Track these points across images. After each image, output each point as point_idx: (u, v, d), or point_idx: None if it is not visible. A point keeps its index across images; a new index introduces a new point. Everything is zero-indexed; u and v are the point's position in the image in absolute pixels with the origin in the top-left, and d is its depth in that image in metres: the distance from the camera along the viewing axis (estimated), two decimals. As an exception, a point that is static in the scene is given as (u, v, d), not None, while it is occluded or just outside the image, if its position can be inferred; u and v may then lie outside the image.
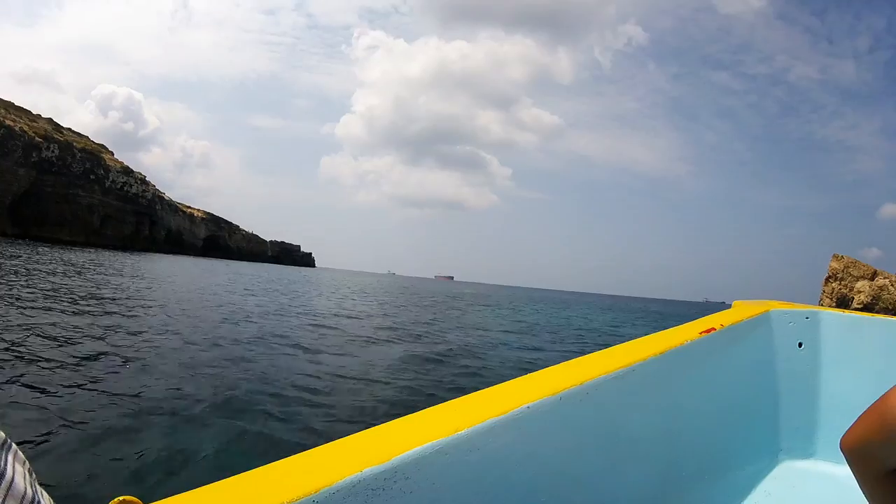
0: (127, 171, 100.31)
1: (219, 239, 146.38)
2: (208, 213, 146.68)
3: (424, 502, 0.65)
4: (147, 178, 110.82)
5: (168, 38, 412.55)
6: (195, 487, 0.58)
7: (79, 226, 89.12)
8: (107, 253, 58.30)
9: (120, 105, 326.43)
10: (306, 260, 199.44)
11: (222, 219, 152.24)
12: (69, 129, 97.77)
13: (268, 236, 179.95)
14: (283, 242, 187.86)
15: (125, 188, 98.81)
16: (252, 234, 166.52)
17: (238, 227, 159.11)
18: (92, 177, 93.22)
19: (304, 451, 0.66)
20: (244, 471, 0.61)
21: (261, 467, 0.63)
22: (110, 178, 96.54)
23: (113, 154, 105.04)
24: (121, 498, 0.49)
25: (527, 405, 0.79)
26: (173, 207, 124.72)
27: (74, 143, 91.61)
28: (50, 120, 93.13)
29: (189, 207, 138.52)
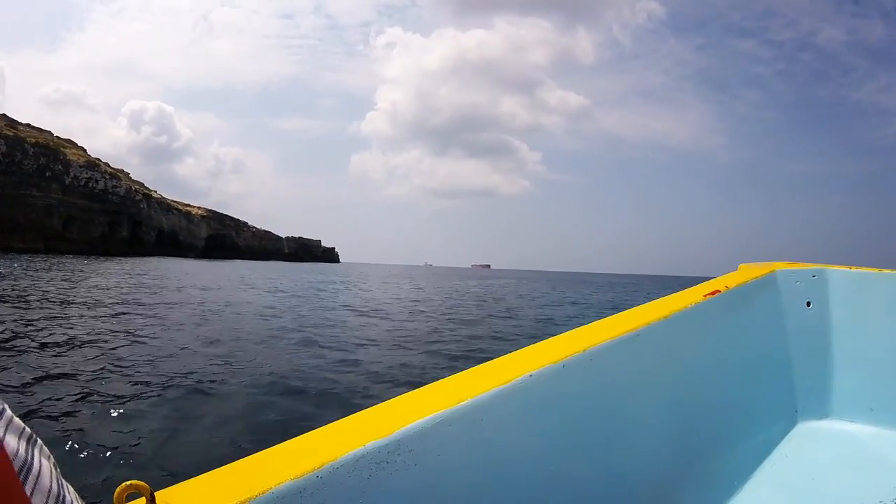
0: (92, 164, 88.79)
1: (224, 238, 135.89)
2: (210, 211, 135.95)
3: (429, 473, 0.66)
4: (123, 172, 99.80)
5: (191, 51, 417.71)
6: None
7: (34, 230, 78.38)
8: (68, 259, 47.04)
9: (151, 119, 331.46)
10: (329, 255, 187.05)
11: (227, 216, 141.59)
12: (27, 125, 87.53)
13: (306, 236, 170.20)
14: (300, 238, 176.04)
15: (90, 184, 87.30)
16: (264, 231, 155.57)
17: (247, 223, 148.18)
18: (48, 174, 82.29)
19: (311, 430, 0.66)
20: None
21: (264, 450, 0.63)
22: (71, 175, 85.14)
23: (85, 151, 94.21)
24: (129, 482, 0.49)
25: (529, 374, 0.79)
26: (164, 205, 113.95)
27: (27, 139, 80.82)
28: (4, 116, 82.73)
29: (187, 205, 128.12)
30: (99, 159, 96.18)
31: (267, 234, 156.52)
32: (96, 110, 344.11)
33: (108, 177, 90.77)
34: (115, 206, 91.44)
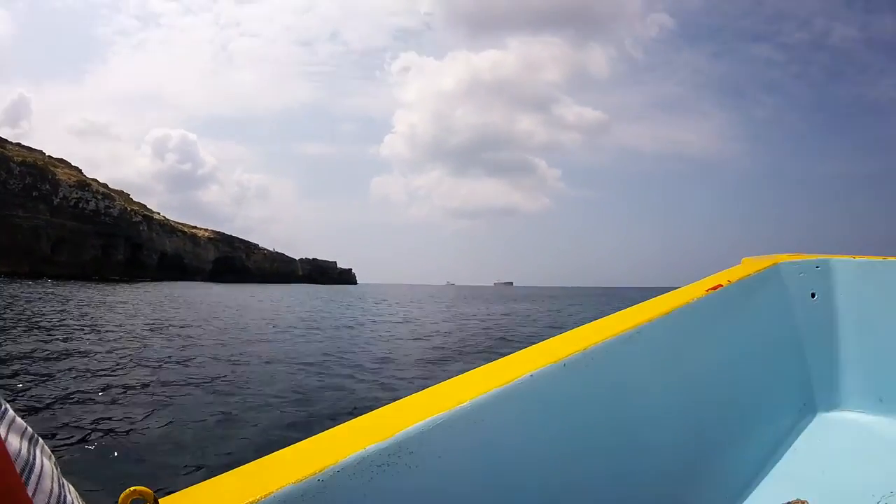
0: (83, 184, 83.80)
1: (233, 260, 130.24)
2: (218, 233, 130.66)
3: (430, 475, 0.65)
4: (123, 193, 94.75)
5: (212, 80, 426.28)
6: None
7: (20, 253, 72.85)
8: (54, 285, 41.46)
9: (175, 147, 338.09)
10: (345, 277, 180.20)
11: (237, 238, 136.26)
12: (18, 144, 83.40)
13: (325, 258, 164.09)
14: (315, 260, 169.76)
15: (80, 205, 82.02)
16: (277, 253, 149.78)
17: (257, 245, 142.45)
18: (35, 193, 77.45)
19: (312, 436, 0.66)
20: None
21: (266, 456, 0.63)
22: (60, 195, 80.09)
23: (80, 171, 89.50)
24: (133, 488, 0.49)
25: (529, 374, 0.78)
26: (167, 228, 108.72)
27: (13, 158, 76.15)
28: (-8, 135, 78.56)
29: (193, 228, 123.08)
30: (96, 179, 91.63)
31: (279, 256, 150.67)
32: (121, 139, 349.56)
33: (100, 197, 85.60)
34: (108, 228, 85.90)
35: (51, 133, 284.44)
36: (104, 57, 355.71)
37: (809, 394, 1.32)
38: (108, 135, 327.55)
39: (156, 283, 70.62)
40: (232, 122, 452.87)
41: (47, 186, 79.13)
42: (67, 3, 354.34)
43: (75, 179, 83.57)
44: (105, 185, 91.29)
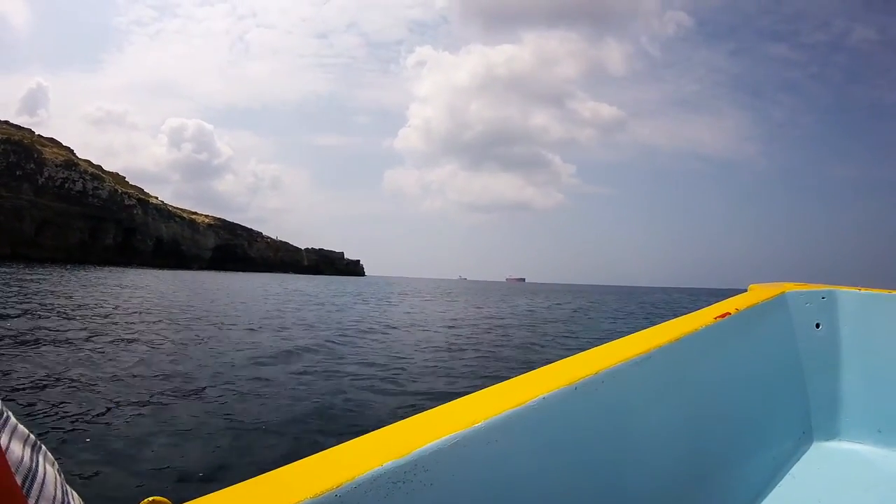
0: (70, 163, 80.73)
1: (235, 248, 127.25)
2: (219, 220, 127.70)
3: (444, 493, 0.66)
4: (118, 175, 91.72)
5: (228, 71, 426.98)
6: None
7: (1, 235, 69.95)
8: (36, 269, 39.19)
9: (191, 137, 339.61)
10: (352, 269, 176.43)
11: (239, 225, 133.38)
12: (5, 122, 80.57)
13: (331, 248, 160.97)
14: (321, 250, 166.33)
15: (66, 185, 78.91)
16: (280, 242, 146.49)
17: (261, 233, 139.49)
18: (18, 172, 74.67)
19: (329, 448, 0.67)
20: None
21: (284, 466, 0.63)
22: (45, 174, 77.00)
23: (73, 151, 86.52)
24: (151, 499, 0.49)
25: (542, 396, 0.79)
26: (165, 213, 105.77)
27: (-2, 135, 73.34)
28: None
29: (193, 213, 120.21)
30: (92, 162, 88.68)
31: (284, 245, 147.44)
32: (138, 128, 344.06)
33: (88, 177, 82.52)
34: (96, 211, 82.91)
35: (68, 122, 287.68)
36: (120, 46, 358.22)
37: (809, 422, 1.35)
38: (125, 124, 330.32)
39: (143, 270, 67.27)
40: (248, 113, 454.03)
41: (32, 165, 76.40)
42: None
43: (62, 159, 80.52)
44: (99, 167, 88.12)
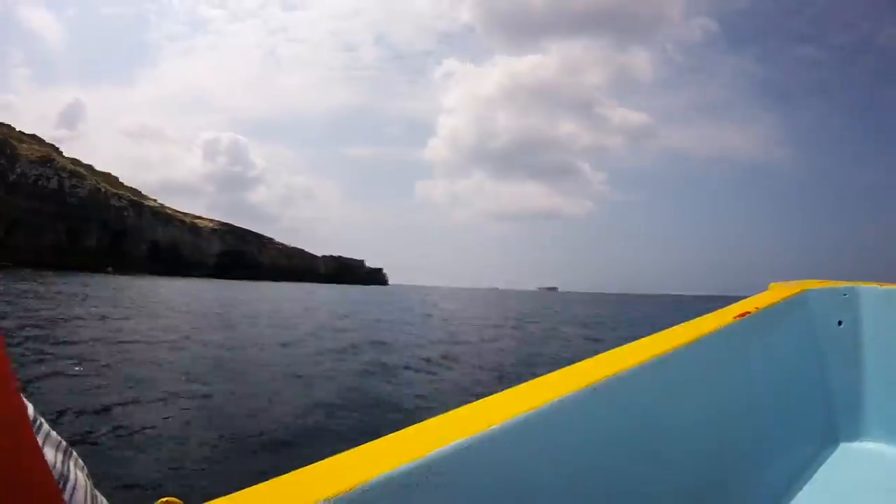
0: (46, 159, 75.21)
1: (243, 255, 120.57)
2: (225, 224, 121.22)
3: (458, 497, 0.66)
4: (111, 176, 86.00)
5: (260, 84, 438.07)
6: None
7: (-36, 235, 64.31)
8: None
9: (225, 149, 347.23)
10: (374, 277, 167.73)
11: (249, 231, 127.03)
12: (-16, 118, 75.88)
13: (371, 261, 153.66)
14: (340, 257, 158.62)
15: (40, 182, 72.96)
16: (295, 249, 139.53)
17: (272, 239, 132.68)
18: (-13, 169, 68.81)
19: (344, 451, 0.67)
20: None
21: (298, 469, 0.63)
22: (17, 171, 71.31)
23: (57, 147, 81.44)
24: (165, 498, 0.50)
25: (558, 399, 0.79)
26: (162, 216, 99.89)
27: (-31, 129, 68.28)
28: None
29: (195, 217, 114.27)
30: (78, 160, 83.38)
31: (299, 253, 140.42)
32: (173, 142, 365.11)
33: (65, 175, 76.71)
34: (75, 210, 76.88)
35: (105, 135, 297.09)
36: (154, 61, 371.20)
37: (832, 423, 1.32)
38: (160, 137, 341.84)
39: (114, 276, 59.83)
40: (279, 126, 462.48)
41: (3, 161, 70.95)
42: (116, 9, 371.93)
43: (39, 155, 74.94)
44: (77, 162, 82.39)
